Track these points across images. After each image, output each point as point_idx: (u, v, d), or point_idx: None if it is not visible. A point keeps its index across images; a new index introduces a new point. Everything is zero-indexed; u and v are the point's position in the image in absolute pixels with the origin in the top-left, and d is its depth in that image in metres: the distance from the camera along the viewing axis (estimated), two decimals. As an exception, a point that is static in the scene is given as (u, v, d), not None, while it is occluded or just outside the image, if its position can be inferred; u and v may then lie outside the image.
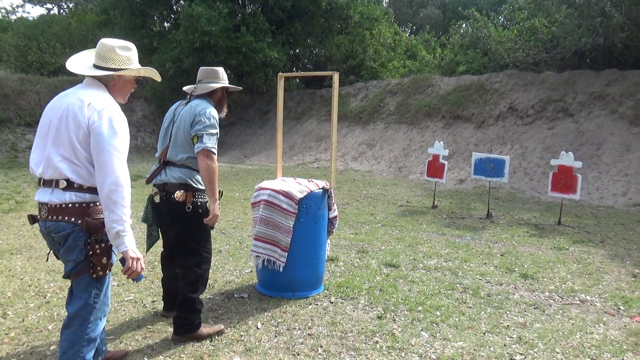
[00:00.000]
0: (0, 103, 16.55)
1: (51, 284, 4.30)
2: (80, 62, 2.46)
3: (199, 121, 3.08)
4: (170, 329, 3.32)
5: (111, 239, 2.27)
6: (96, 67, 2.42)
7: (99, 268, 2.33)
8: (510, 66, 13.60)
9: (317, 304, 3.92)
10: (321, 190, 4.05)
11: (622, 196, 9.15)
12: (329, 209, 4.21)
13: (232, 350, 3.13)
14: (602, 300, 4.20)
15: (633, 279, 4.79)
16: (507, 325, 3.60)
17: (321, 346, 3.20)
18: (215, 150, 3.10)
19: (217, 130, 3.16)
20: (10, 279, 4.42)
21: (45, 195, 2.32)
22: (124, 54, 2.44)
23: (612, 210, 8.54)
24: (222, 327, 3.39)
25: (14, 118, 16.53)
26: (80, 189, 2.30)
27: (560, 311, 3.92)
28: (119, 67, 2.43)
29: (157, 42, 18.68)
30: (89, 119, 2.26)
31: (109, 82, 2.45)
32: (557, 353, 3.19)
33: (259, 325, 3.51)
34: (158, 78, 2.64)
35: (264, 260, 3.97)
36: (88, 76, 2.43)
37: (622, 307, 4.04)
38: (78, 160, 2.28)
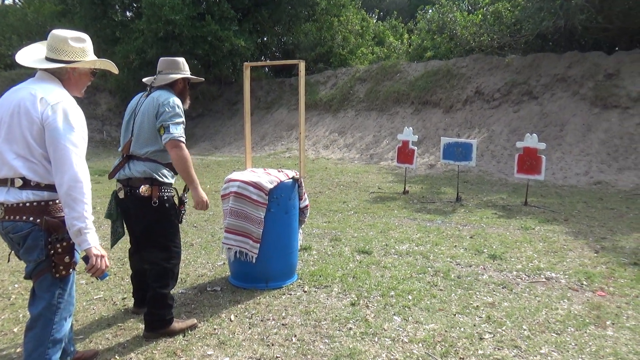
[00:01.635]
0: (-46, 99, 15.83)
1: (15, 285, 4.16)
2: (31, 55, 2.35)
3: (163, 112, 3.01)
4: (142, 326, 3.26)
5: (73, 237, 2.20)
6: (48, 59, 2.32)
7: (61, 267, 2.26)
8: (476, 51, 13.79)
9: (290, 294, 3.92)
10: (291, 180, 4.04)
11: (584, 175, 9.46)
12: (300, 199, 4.20)
13: (205, 344, 3.10)
14: (566, 276, 4.35)
15: (595, 254, 4.97)
16: (477, 306, 3.69)
17: (295, 335, 3.21)
18: (183, 139, 3.04)
19: (183, 119, 3.10)
20: (-29, 283, 4.26)
21: (0, 195, 2.22)
22: (77, 46, 2.35)
23: (575, 189, 8.83)
24: (195, 321, 3.35)
25: (-30, 114, 15.85)
26: (38, 187, 2.22)
27: (527, 289, 4.04)
28: (72, 59, 2.33)
29: (120, 33, 18.13)
30: (42, 114, 2.17)
31: (63, 75, 2.35)
32: (524, 330, 3.30)
33: (233, 317, 3.49)
34: (115, 70, 2.55)
35: (236, 252, 3.94)
36: (40, 69, 2.33)
37: (584, 282, 4.19)
38: (33, 157, 2.20)
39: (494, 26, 13.35)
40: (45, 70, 2.33)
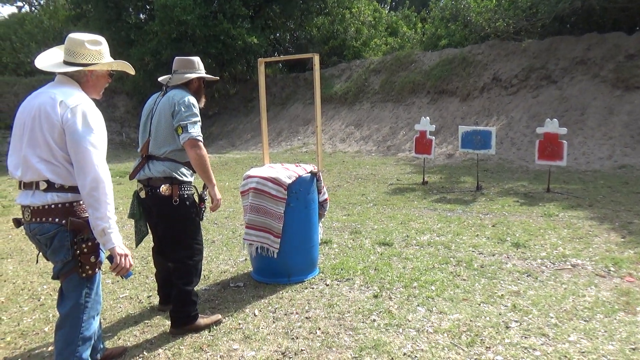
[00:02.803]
0: (-22, 107, 16.24)
1: (44, 286, 4.26)
2: (49, 60, 2.39)
3: (179, 111, 3.03)
4: (168, 323, 3.31)
5: (97, 237, 2.24)
6: (66, 63, 2.35)
7: (87, 267, 2.30)
8: (492, 37, 13.56)
9: (313, 288, 3.93)
10: (309, 174, 4.03)
11: (608, 159, 9.25)
12: (319, 192, 4.20)
13: (231, 339, 3.13)
14: (592, 263, 4.26)
15: (622, 239, 4.86)
16: (502, 295, 3.64)
17: (319, 328, 3.22)
18: (201, 138, 3.07)
19: (199, 118, 3.12)
20: (2, 284, 4.37)
21: (26, 198, 2.27)
22: (94, 48, 2.37)
23: (599, 173, 8.64)
24: (220, 316, 3.39)
25: (-6, 122, 16.25)
26: (62, 189, 2.26)
27: (553, 277, 3.98)
28: (89, 62, 2.36)
29: (134, 35, 18.32)
30: (62, 117, 2.21)
31: (81, 78, 2.38)
32: (551, 318, 3.24)
33: (257, 312, 3.52)
34: (132, 71, 2.58)
35: (257, 248, 3.96)
36: (59, 73, 2.36)
37: (612, 269, 4.10)
38: (56, 160, 2.24)
39: (509, 11, 13.09)
40: (64, 73, 2.36)
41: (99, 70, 2.43)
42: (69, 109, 2.21)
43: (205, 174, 3.11)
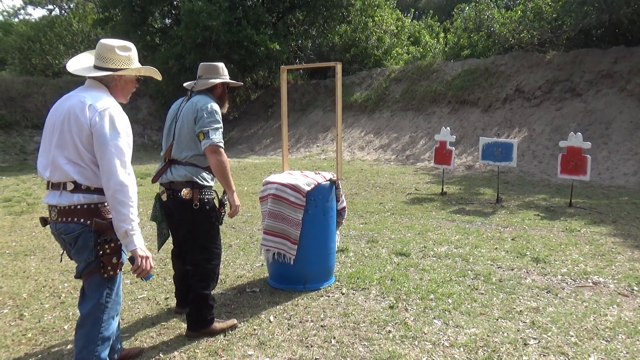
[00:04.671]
0: (7, 106, 16.72)
1: (65, 284, 4.34)
2: (80, 64, 2.46)
3: (202, 117, 3.08)
4: (184, 325, 3.34)
5: (120, 238, 2.29)
6: (96, 68, 2.42)
7: (109, 268, 2.35)
8: (515, 48, 13.43)
9: (328, 296, 3.92)
10: (328, 182, 4.04)
11: (633, 175, 9.05)
12: (337, 200, 4.20)
13: (246, 344, 3.15)
14: (615, 281, 4.16)
15: (646, 258, 4.75)
16: (520, 310, 3.58)
17: (334, 337, 3.21)
18: (222, 144, 3.11)
19: (221, 124, 3.16)
20: (25, 280, 4.47)
21: (54, 198, 2.33)
22: (124, 54, 2.44)
23: (624, 189, 8.45)
24: (235, 321, 3.41)
25: (21, 121, 16.68)
26: (88, 190, 2.31)
27: (573, 294, 3.90)
28: (118, 67, 2.42)
29: (159, 39, 18.66)
30: (91, 120, 2.27)
31: (110, 83, 2.45)
32: (571, 336, 3.18)
33: (272, 318, 3.53)
34: (159, 77, 2.63)
35: (274, 254, 3.98)
36: (89, 77, 2.43)
37: (635, 288, 4.00)
38: (83, 162, 2.29)
39: (534, 22, 12.97)
40: (94, 78, 2.43)
41: (128, 75, 2.49)
42: (97, 113, 2.27)
43: (225, 180, 3.14)
